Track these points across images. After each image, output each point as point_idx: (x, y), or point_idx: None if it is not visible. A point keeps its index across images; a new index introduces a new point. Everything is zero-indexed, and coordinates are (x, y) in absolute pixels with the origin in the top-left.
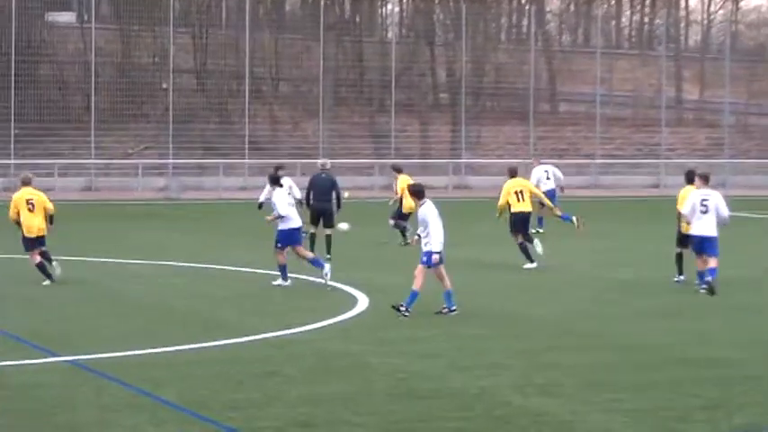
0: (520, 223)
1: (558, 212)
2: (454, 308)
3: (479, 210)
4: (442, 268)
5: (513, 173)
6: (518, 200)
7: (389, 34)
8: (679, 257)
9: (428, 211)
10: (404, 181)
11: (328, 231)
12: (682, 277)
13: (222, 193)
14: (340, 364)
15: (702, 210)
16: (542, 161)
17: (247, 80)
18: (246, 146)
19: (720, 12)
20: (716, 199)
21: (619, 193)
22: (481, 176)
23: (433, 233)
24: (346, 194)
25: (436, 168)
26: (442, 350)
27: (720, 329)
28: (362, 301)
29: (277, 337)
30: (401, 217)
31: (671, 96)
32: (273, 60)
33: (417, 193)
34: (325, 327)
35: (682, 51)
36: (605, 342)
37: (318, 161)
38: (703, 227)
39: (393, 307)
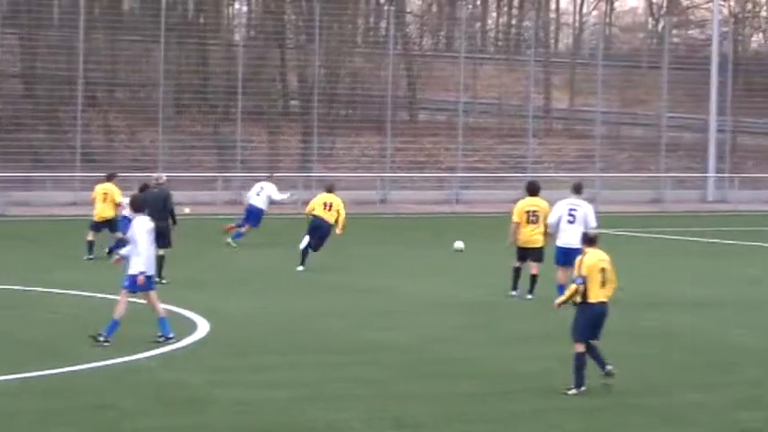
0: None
1: None
2: (171, 335)
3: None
4: (153, 294)
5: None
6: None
7: (236, 36)
8: (516, 272)
9: (138, 226)
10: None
11: (161, 252)
12: (515, 292)
13: (53, 208)
14: (180, 395)
15: (569, 220)
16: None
17: (80, 85)
18: (78, 157)
19: (593, 14)
20: (585, 209)
21: (481, 208)
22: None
23: (141, 252)
24: (186, 210)
25: (285, 182)
26: (286, 380)
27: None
28: (203, 327)
29: (112, 365)
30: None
31: (539, 105)
32: (109, 64)
33: (134, 205)
34: (164, 354)
35: (551, 56)
36: (466, 370)
37: (153, 175)
38: (570, 237)
39: (91, 336)
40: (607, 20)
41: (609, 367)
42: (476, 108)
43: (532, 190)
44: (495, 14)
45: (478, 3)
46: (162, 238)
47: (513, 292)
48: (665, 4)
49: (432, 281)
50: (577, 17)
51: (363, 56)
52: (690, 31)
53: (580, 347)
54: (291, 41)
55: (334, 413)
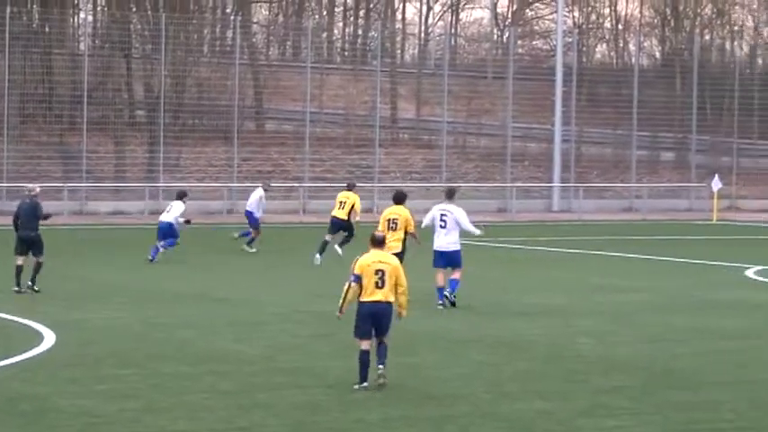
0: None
1: None
2: None
3: (197, 237)
4: None
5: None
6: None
7: (82, 46)
8: None
9: None
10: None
11: (40, 259)
12: None
13: None
14: (24, 407)
15: (441, 225)
16: None
17: None
18: None
19: (439, 24)
20: (456, 214)
21: (329, 219)
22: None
23: None
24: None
25: (131, 192)
26: (137, 390)
27: (441, 362)
28: (49, 338)
29: None
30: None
31: (385, 115)
32: None
33: None
34: (7, 366)
35: (397, 66)
36: (314, 379)
37: (28, 186)
38: (442, 241)
39: None
40: (452, 30)
41: (381, 370)
42: (322, 118)
43: (397, 199)
44: (341, 25)
45: (324, 13)
46: (35, 247)
47: None
48: (509, 15)
49: (283, 291)
50: (423, 28)
51: (210, 66)
52: (534, 42)
53: (362, 345)
54: (137, 51)
55: (187, 423)
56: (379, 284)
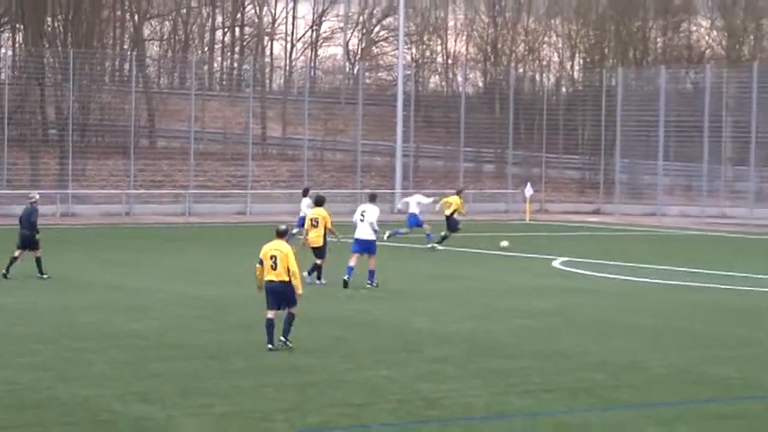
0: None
1: None
2: None
3: (82, 237)
4: None
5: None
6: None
7: (2, 75)
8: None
9: None
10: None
11: (37, 254)
12: (308, 279)
13: None
14: None
15: (361, 219)
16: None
17: None
18: None
19: (301, 59)
20: (371, 211)
21: (209, 219)
22: (87, 205)
23: None
24: None
25: (45, 198)
26: (51, 363)
27: (306, 337)
28: None
29: None
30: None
31: (257, 133)
32: None
33: None
34: None
35: (267, 93)
36: (197, 352)
37: (31, 193)
38: (360, 232)
39: None
40: (312, 64)
41: (282, 340)
42: (204, 136)
43: (317, 202)
44: (219, 58)
45: (206, 49)
46: (31, 244)
47: (308, 278)
48: (359, 52)
49: (172, 280)
50: (288, 61)
51: (110, 92)
52: (380, 74)
53: (267, 314)
54: (50, 80)
55: (92, 390)
56: (273, 267)
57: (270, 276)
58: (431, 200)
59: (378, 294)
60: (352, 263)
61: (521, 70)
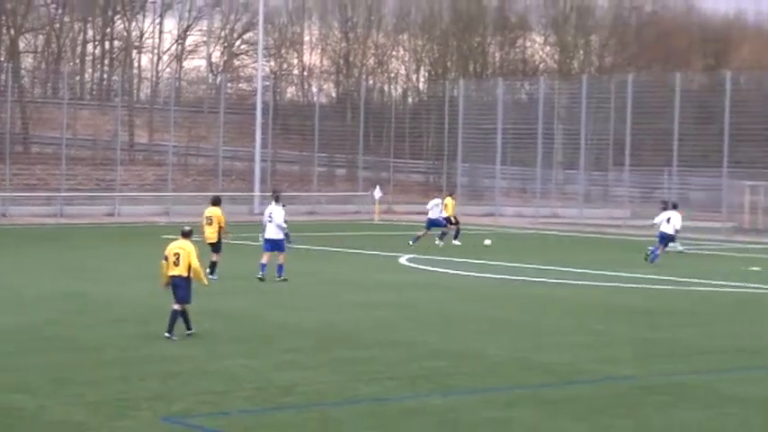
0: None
1: None
2: None
3: None
4: None
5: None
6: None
7: None
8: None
9: None
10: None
11: None
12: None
13: None
14: None
15: (268, 220)
16: None
17: None
18: None
19: (167, 70)
20: (277, 213)
21: (81, 221)
22: None
23: None
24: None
25: None
26: None
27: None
28: None
29: None
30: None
31: (125, 140)
32: None
33: None
34: None
35: (135, 103)
36: (71, 345)
37: None
38: (269, 232)
39: None
40: (177, 75)
41: (189, 333)
42: (76, 143)
43: (213, 202)
44: (90, 70)
45: (78, 61)
46: None
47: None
48: (222, 64)
49: (47, 277)
50: (155, 73)
51: None
52: (240, 84)
53: (174, 306)
54: None
55: None
56: (176, 263)
57: (173, 272)
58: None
59: (242, 290)
60: (264, 260)
61: (371, 82)
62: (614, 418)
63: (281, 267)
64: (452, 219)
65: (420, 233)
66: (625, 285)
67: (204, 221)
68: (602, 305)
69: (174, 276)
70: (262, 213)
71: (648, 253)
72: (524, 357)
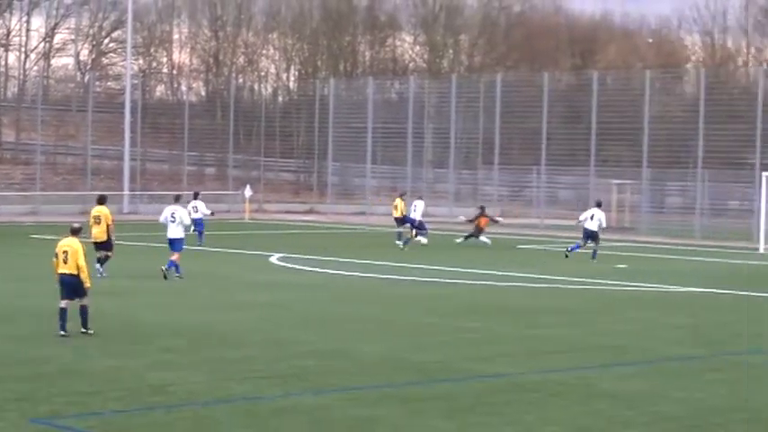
0: None
1: None
2: None
3: None
4: None
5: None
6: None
7: None
8: (98, 260)
9: None
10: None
11: None
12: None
13: None
14: None
15: (171, 220)
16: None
17: None
18: None
19: (35, 68)
20: (180, 212)
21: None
22: None
23: None
24: None
25: None
26: None
27: (40, 331)
28: None
29: None
30: None
31: None
32: None
33: None
34: None
35: (1, 101)
36: None
37: None
38: (171, 232)
39: None
40: (45, 74)
41: (83, 330)
42: None
43: (99, 201)
44: None
45: None
46: None
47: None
48: (90, 62)
49: None
50: (22, 71)
51: None
52: (109, 83)
53: (61, 303)
54: None
55: None
56: (65, 261)
57: (62, 269)
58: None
59: (114, 290)
60: (172, 258)
61: (241, 80)
62: (483, 415)
63: (172, 263)
64: (404, 219)
65: (407, 236)
66: (500, 284)
67: (92, 221)
68: (479, 304)
69: (62, 274)
70: (131, 212)
71: (569, 250)
72: (398, 357)
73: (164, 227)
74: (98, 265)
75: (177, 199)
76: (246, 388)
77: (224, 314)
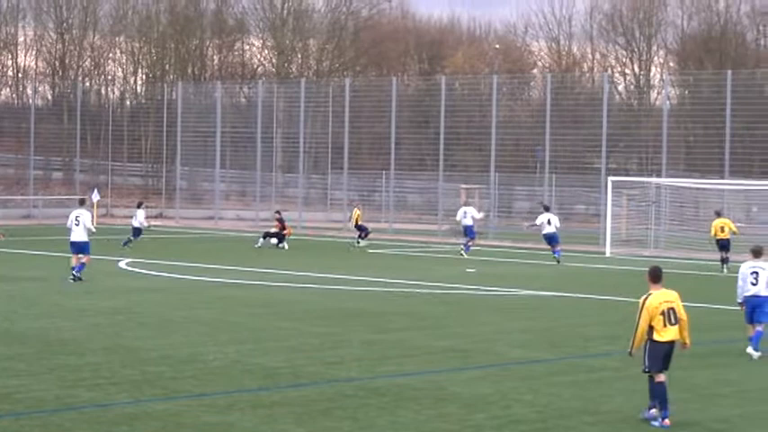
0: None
1: None
2: None
3: None
4: None
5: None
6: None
7: None
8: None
9: None
10: None
11: None
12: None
13: None
14: None
15: (76, 223)
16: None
17: None
18: None
19: None
20: (85, 216)
21: None
22: None
23: None
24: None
25: None
26: None
27: None
28: None
29: None
30: None
31: None
32: None
33: None
34: None
35: None
36: None
37: None
38: (76, 236)
39: None
40: None
41: None
42: None
43: (81, 202)
44: None
45: None
46: None
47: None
48: None
49: None
50: None
51: None
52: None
53: None
54: None
55: None
56: None
57: None
58: (481, 214)
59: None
60: (73, 262)
61: (87, 84)
62: (336, 420)
63: (82, 266)
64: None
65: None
66: (347, 288)
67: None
68: (328, 308)
69: None
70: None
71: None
72: (245, 361)
73: (66, 230)
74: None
75: (82, 203)
76: (96, 395)
77: (73, 320)
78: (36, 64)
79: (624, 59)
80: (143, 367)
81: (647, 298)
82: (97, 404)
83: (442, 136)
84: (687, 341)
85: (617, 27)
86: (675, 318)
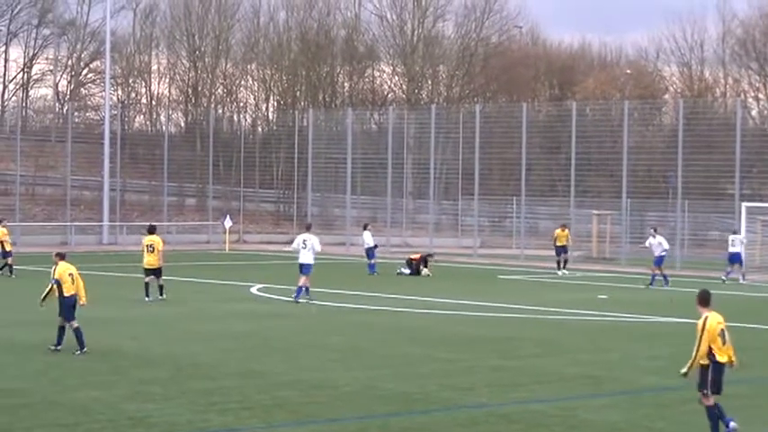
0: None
1: None
2: None
3: None
4: None
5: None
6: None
7: None
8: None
9: None
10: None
11: None
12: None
13: None
14: None
15: (303, 246)
16: None
17: None
18: None
19: (13, 99)
20: (312, 240)
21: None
22: None
23: None
24: None
25: None
26: None
27: (15, 363)
28: None
29: None
30: None
31: None
32: None
33: None
34: None
35: None
36: None
37: None
38: (303, 258)
39: None
40: (23, 104)
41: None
42: None
43: (150, 230)
44: None
45: None
46: None
47: (147, 299)
48: (69, 93)
49: None
50: (0, 102)
51: None
52: (88, 113)
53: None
54: None
55: None
56: (72, 282)
57: (71, 292)
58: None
59: (91, 320)
60: (302, 282)
61: (220, 111)
62: None
63: (302, 289)
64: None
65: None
66: (480, 314)
67: (145, 249)
68: (458, 334)
69: (72, 296)
70: (111, 243)
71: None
72: (376, 386)
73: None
74: (147, 298)
75: (308, 228)
76: (227, 419)
77: (205, 344)
78: (169, 92)
79: (757, 84)
80: (273, 392)
81: (706, 319)
82: (229, 428)
83: (573, 162)
84: (735, 360)
85: (749, 52)
86: (726, 339)
